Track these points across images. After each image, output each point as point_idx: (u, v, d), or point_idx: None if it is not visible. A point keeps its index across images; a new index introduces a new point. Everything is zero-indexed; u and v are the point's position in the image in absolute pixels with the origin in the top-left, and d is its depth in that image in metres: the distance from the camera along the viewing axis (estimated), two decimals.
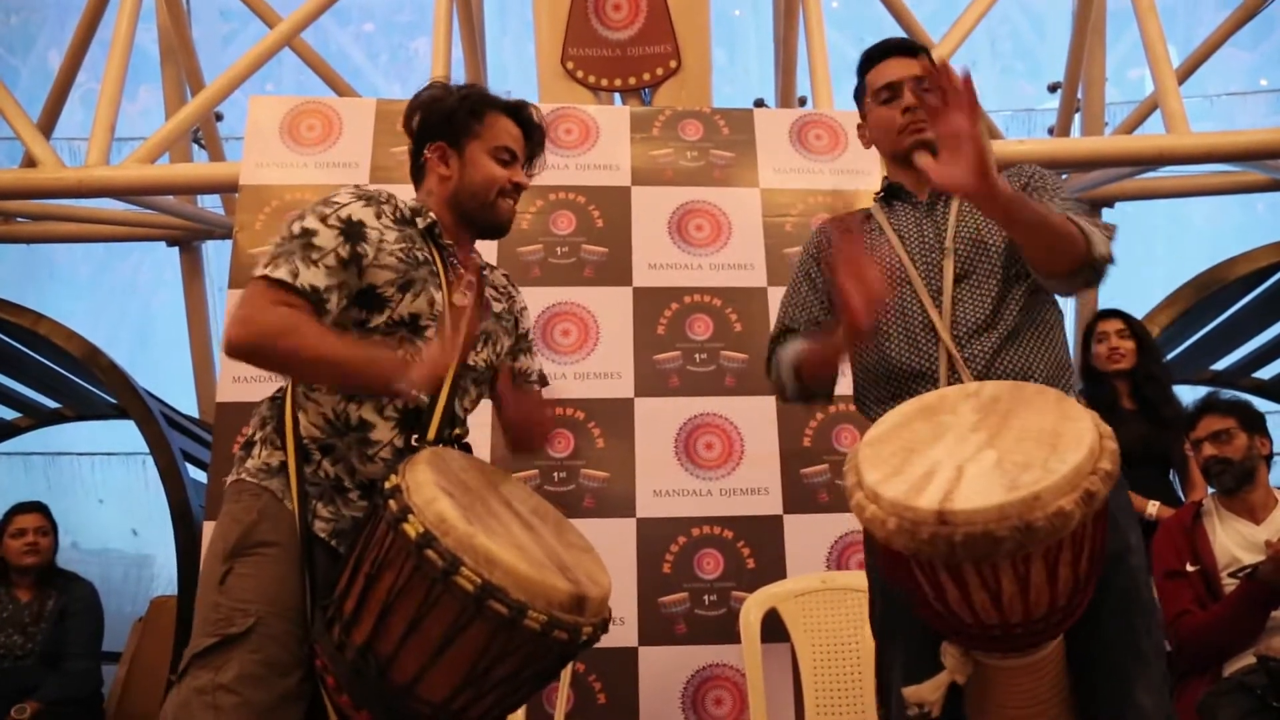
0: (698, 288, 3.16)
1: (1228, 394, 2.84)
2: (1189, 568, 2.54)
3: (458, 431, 1.62)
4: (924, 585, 1.30)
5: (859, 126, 1.84)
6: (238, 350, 1.40)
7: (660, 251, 3.20)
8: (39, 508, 3.54)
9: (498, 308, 1.72)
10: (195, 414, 5.37)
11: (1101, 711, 1.45)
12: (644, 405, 3.01)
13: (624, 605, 2.75)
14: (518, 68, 9.79)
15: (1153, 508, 2.94)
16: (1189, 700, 2.39)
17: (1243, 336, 5.08)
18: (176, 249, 5.52)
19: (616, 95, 4.03)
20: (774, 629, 2.59)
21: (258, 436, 1.55)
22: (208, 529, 2.84)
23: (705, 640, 2.78)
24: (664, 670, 2.75)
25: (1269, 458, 2.69)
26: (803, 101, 5.32)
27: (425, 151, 1.67)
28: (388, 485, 1.34)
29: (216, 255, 5.76)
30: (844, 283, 1.47)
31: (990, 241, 1.66)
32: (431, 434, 1.51)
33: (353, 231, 1.49)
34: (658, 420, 2.99)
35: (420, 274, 1.55)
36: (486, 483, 1.49)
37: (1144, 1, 4.16)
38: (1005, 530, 1.18)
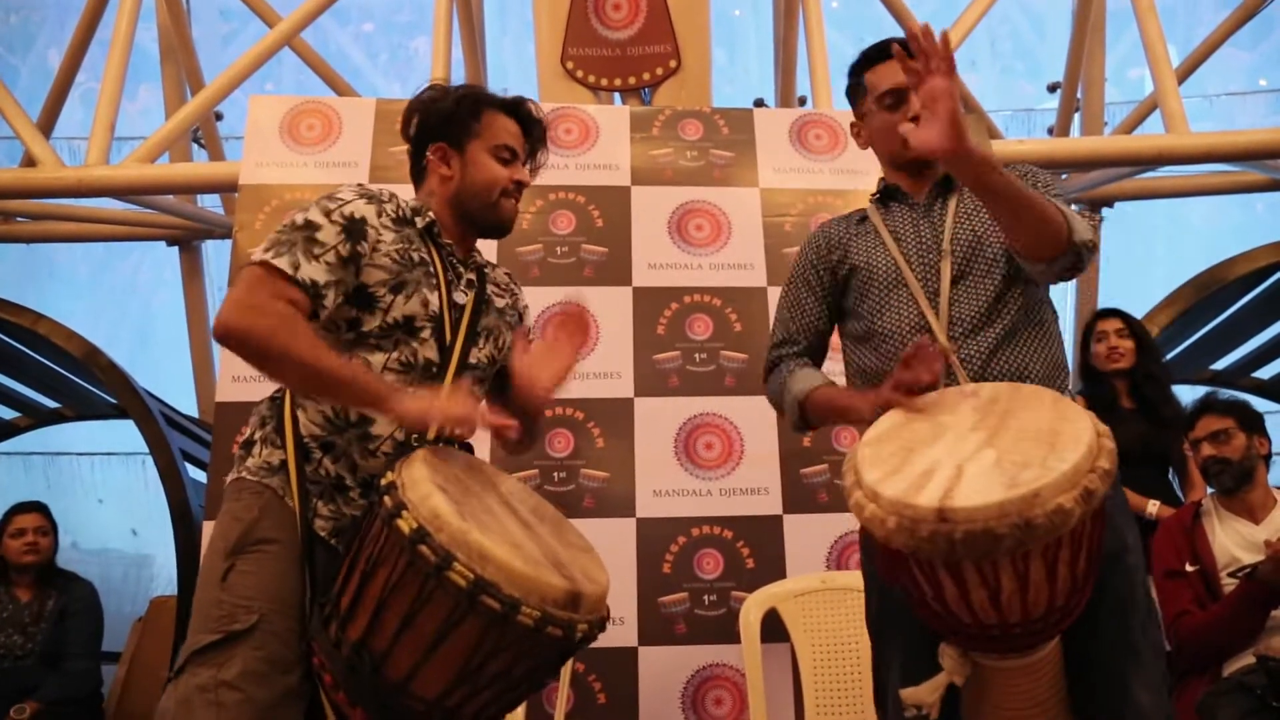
0: (697, 287, 3.16)
1: (1226, 394, 2.84)
2: (1188, 567, 2.54)
3: (458, 431, 1.62)
4: (923, 584, 1.31)
5: (853, 125, 1.82)
6: (229, 334, 1.38)
7: (660, 251, 3.20)
8: (39, 507, 3.54)
9: (500, 303, 1.72)
10: (195, 414, 5.37)
11: (1100, 711, 1.45)
12: (644, 405, 3.01)
13: (624, 605, 2.75)
14: (518, 68, 9.79)
15: (1153, 507, 2.94)
16: (1189, 700, 2.39)
17: (1242, 336, 5.08)
18: (176, 249, 5.52)
19: (616, 95, 4.03)
20: (774, 629, 2.59)
21: (257, 435, 1.55)
22: (208, 529, 2.84)
23: (705, 640, 2.78)
24: (664, 670, 2.75)
25: (1268, 457, 2.69)
26: (802, 101, 5.33)
27: (427, 153, 1.66)
28: (383, 481, 1.35)
29: (216, 255, 5.76)
30: (894, 390, 1.48)
31: (987, 242, 1.66)
32: (432, 433, 1.51)
33: (354, 229, 1.50)
34: (657, 420, 2.99)
35: (414, 275, 1.55)
36: (485, 481, 1.49)
37: (1144, 1, 4.16)
38: (1005, 527, 1.18)
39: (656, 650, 2.76)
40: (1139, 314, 3.53)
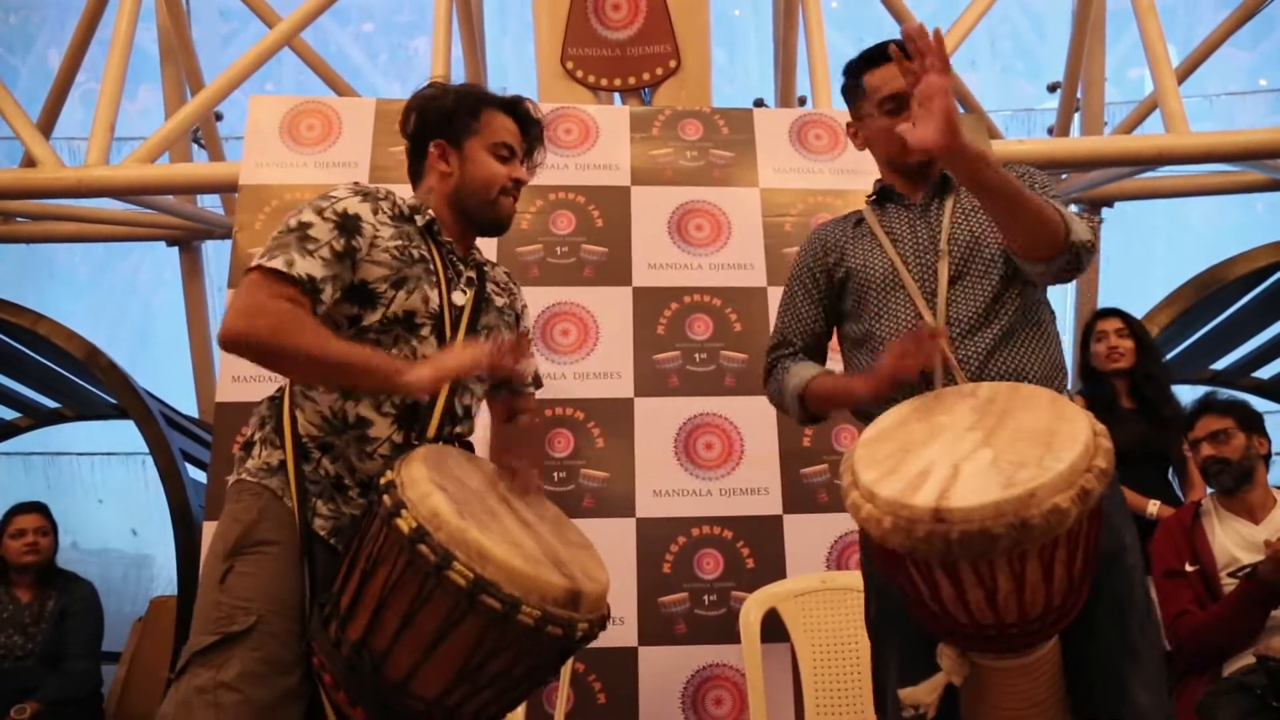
0: (697, 287, 3.16)
1: (1226, 394, 2.84)
2: (1188, 567, 2.54)
3: (459, 430, 1.63)
4: (919, 585, 1.31)
5: (849, 126, 1.81)
6: (235, 342, 1.39)
7: (660, 251, 3.20)
8: (39, 508, 3.54)
9: (499, 302, 1.72)
10: (195, 414, 5.37)
11: (1099, 711, 1.45)
12: (644, 405, 3.01)
13: (624, 605, 2.75)
14: (518, 68, 9.80)
15: (1153, 507, 2.94)
16: (1188, 700, 2.39)
17: (1242, 336, 5.08)
18: (176, 249, 5.52)
19: (616, 95, 4.03)
20: (774, 629, 2.59)
21: (257, 436, 1.55)
22: (207, 529, 2.84)
23: (705, 640, 2.78)
24: (664, 670, 2.75)
25: (1267, 457, 2.69)
26: (802, 101, 5.33)
27: (427, 150, 1.67)
28: (383, 481, 1.35)
29: (216, 255, 5.76)
30: (888, 367, 1.49)
31: (985, 243, 1.66)
32: (432, 431, 1.51)
33: (348, 225, 1.50)
34: (657, 420, 2.99)
35: (415, 271, 1.55)
36: (486, 481, 1.49)
37: (1143, 1, 4.16)
38: (1001, 527, 1.18)
39: (656, 650, 2.76)
40: (1139, 314, 3.53)
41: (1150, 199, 5.42)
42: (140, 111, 9.55)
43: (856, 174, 3.32)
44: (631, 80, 3.99)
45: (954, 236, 1.67)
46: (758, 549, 2.87)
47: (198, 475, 4.65)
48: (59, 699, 3.18)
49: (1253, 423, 2.70)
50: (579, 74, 3.98)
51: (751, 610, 2.59)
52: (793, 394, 1.73)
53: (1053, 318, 1.71)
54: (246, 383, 2.88)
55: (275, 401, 1.56)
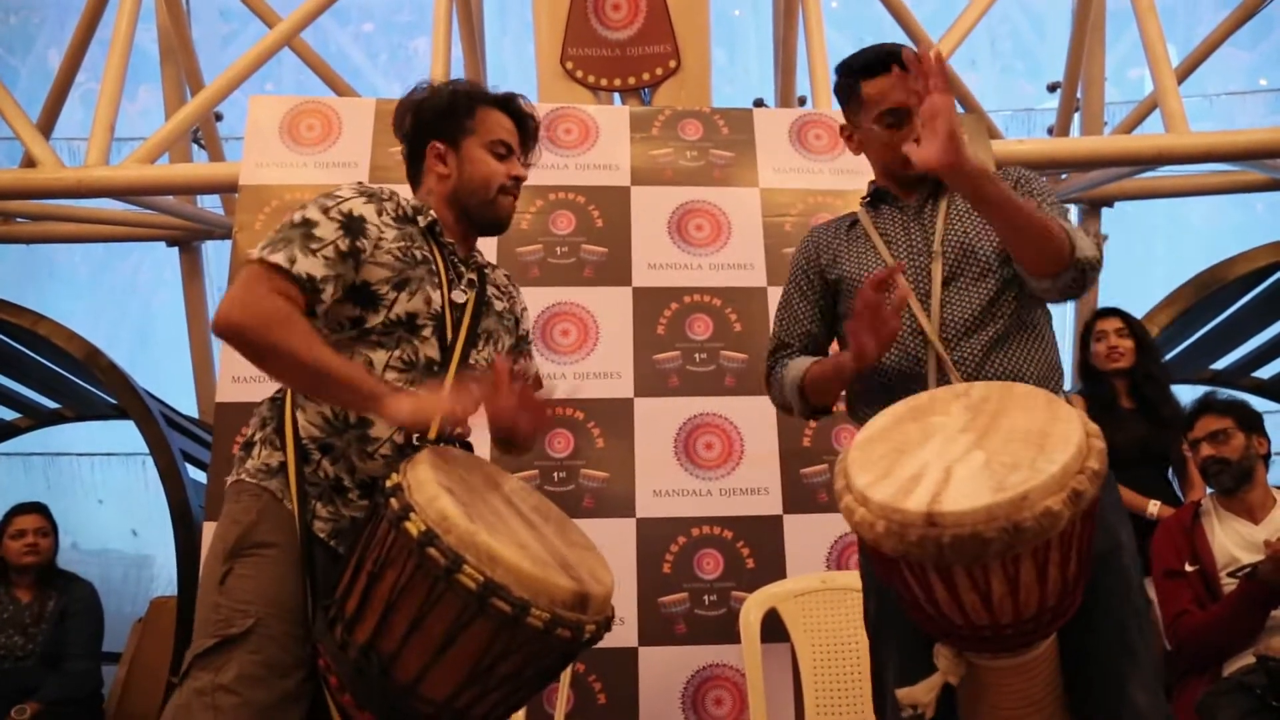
0: (697, 288, 3.16)
1: (1225, 394, 2.84)
2: (1188, 568, 2.54)
3: (460, 430, 1.62)
4: (914, 587, 1.31)
5: (843, 129, 1.80)
6: (227, 330, 1.39)
7: (660, 251, 3.20)
8: (39, 508, 3.54)
9: (499, 306, 1.72)
10: (195, 414, 5.37)
11: (1096, 710, 1.46)
12: (644, 405, 3.01)
13: (624, 605, 2.75)
14: (518, 68, 9.80)
15: (1154, 507, 2.94)
16: (1188, 700, 2.39)
17: (1242, 336, 5.08)
18: (176, 249, 5.52)
19: (616, 95, 4.03)
20: (774, 629, 2.59)
21: (257, 437, 1.55)
22: (208, 530, 2.84)
23: (705, 640, 2.78)
24: (664, 670, 2.75)
25: (1267, 457, 2.69)
26: (802, 101, 5.33)
27: (425, 151, 1.67)
28: (389, 483, 1.34)
29: (216, 255, 5.76)
30: (859, 326, 1.50)
31: (979, 244, 1.66)
32: (433, 432, 1.51)
33: (353, 226, 1.50)
34: (657, 420, 2.99)
35: (417, 273, 1.55)
36: (488, 481, 1.49)
37: (1143, 1, 4.16)
38: (993, 531, 1.18)
39: (656, 650, 2.76)
40: (1139, 314, 3.53)
41: (1150, 199, 5.42)
42: (140, 111, 9.55)
43: (856, 174, 3.31)
44: (631, 80, 3.99)
45: (948, 238, 1.67)
46: (758, 549, 2.87)
47: (198, 475, 4.65)
48: (59, 699, 3.18)
49: (1252, 423, 2.70)
50: (579, 74, 3.98)
51: (751, 610, 2.59)
52: (792, 386, 1.73)
53: (1048, 319, 1.71)
54: (246, 383, 2.88)
55: (276, 402, 1.56)
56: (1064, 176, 5.06)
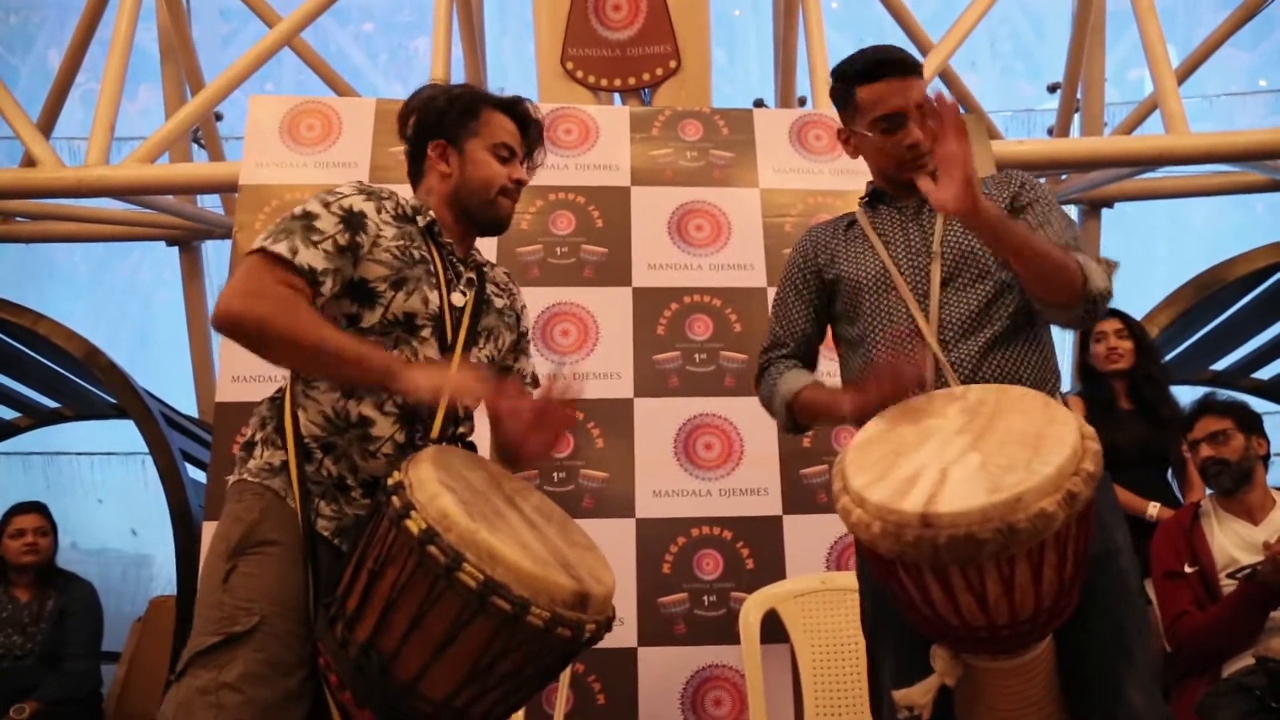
0: (697, 288, 3.16)
1: (1225, 395, 2.84)
2: (1187, 569, 2.54)
3: (462, 430, 1.63)
4: (910, 588, 1.31)
5: (840, 132, 1.79)
6: (228, 319, 1.38)
7: (660, 252, 3.20)
8: (38, 508, 3.54)
9: (499, 304, 1.72)
10: (195, 414, 5.37)
11: (1094, 711, 1.46)
12: (643, 405, 3.01)
13: (623, 606, 2.74)
14: (518, 68, 9.80)
15: (1153, 509, 2.94)
16: (1188, 701, 2.40)
17: (1242, 337, 5.08)
18: (176, 249, 5.52)
19: (616, 95, 4.04)
20: (773, 629, 2.59)
21: (258, 437, 1.55)
22: (207, 529, 2.84)
23: (704, 641, 2.78)
24: (663, 671, 2.75)
25: (1266, 458, 2.69)
26: (802, 102, 5.33)
27: (427, 150, 1.67)
28: (390, 482, 1.34)
29: (216, 255, 5.76)
30: (876, 384, 1.50)
31: (978, 246, 1.66)
32: (435, 432, 1.51)
33: (353, 221, 1.50)
34: (657, 420, 2.99)
35: (415, 272, 1.55)
36: (490, 481, 1.49)
37: (1143, 2, 4.16)
38: (988, 532, 1.19)
39: (656, 651, 2.76)
40: (1139, 314, 3.53)
41: (1150, 199, 5.42)
42: (140, 111, 9.55)
43: (856, 174, 3.28)
44: (631, 80, 3.99)
45: (947, 239, 1.67)
46: (757, 549, 2.87)
47: (197, 475, 4.65)
48: (58, 699, 3.18)
49: (1252, 424, 2.70)
50: (579, 74, 3.98)
51: (751, 611, 2.59)
52: (781, 402, 1.73)
53: (1046, 321, 1.72)
54: (246, 383, 2.88)
55: (276, 401, 1.56)
56: (1064, 177, 5.06)
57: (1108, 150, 4.29)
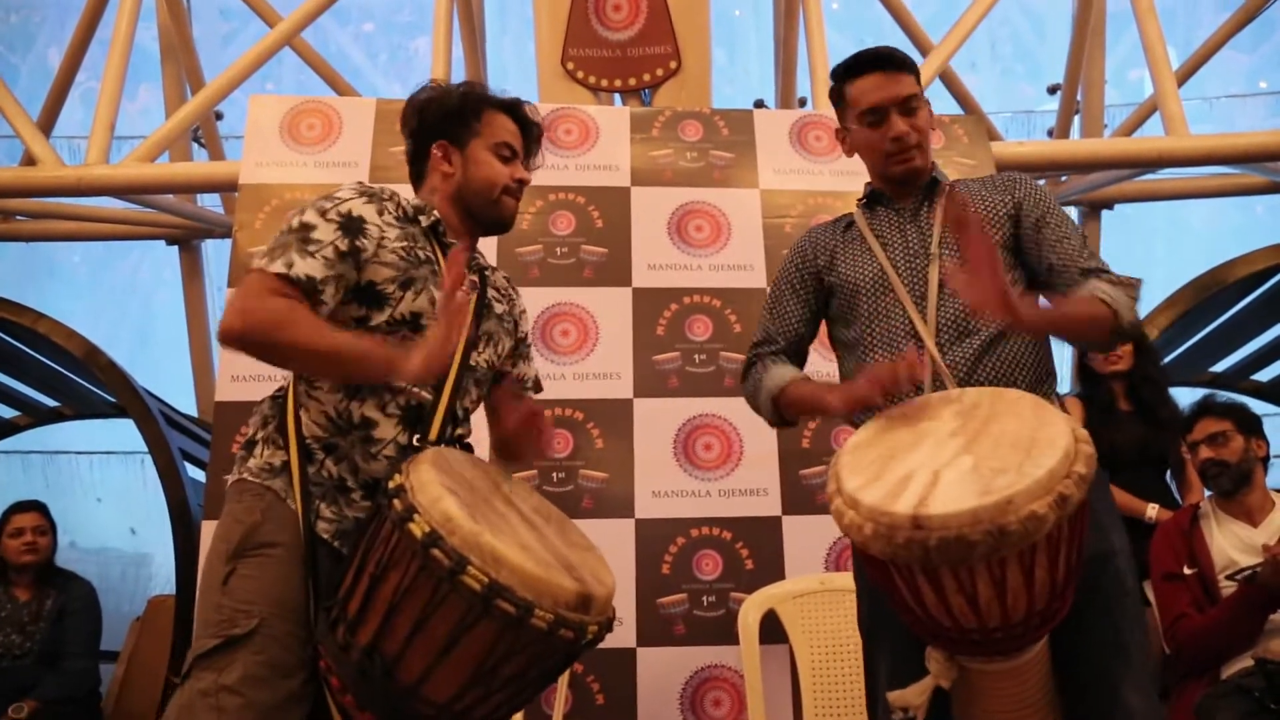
0: (697, 288, 3.16)
1: (1224, 396, 2.84)
2: (1186, 570, 2.54)
3: (460, 431, 1.63)
4: (903, 590, 1.32)
5: (838, 132, 1.82)
6: (233, 339, 1.39)
7: (660, 252, 3.20)
8: (37, 507, 3.54)
9: (499, 309, 1.72)
10: (195, 413, 5.37)
11: (1090, 713, 1.46)
12: (643, 406, 3.01)
13: (622, 606, 2.72)
14: (518, 68, 9.79)
15: (1152, 510, 2.94)
16: (1187, 702, 2.40)
17: (1241, 339, 5.07)
18: (176, 248, 5.52)
19: (616, 96, 4.04)
20: (772, 630, 2.60)
21: (259, 436, 1.55)
22: (206, 528, 2.84)
23: (704, 641, 2.78)
24: (662, 671, 2.75)
25: (1266, 460, 2.69)
26: (803, 102, 5.32)
27: (430, 151, 1.67)
28: (391, 485, 1.34)
29: (216, 254, 5.75)
30: (870, 385, 1.49)
31: None
32: (434, 433, 1.51)
33: (352, 226, 1.50)
34: (657, 421, 2.99)
35: (421, 272, 1.55)
36: (490, 482, 1.49)
37: (1143, 3, 4.16)
38: (978, 534, 1.19)
39: (655, 651, 2.76)
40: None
41: (1150, 201, 5.42)
42: (140, 111, 9.54)
43: (856, 175, 3.25)
44: (632, 81, 3.99)
45: (945, 240, 1.67)
46: (757, 550, 2.87)
47: (197, 474, 4.65)
48: (57, 698, 3.18)
49: (1251, 425, 2.71)
50: (579, 74, 3.98)
51: (750, 611, 2.59)
52: (767, 395, 1.73)
53: None
54: (246, 382, 2.88)
55: (278, 401, 1.56)
56: (1064, 179, 5.06)
57: (1108, 152, 4.29)
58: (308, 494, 1.47)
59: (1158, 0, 4.17)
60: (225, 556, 1.45)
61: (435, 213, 1.63)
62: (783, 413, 1.73)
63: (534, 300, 2.99)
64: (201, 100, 4.27)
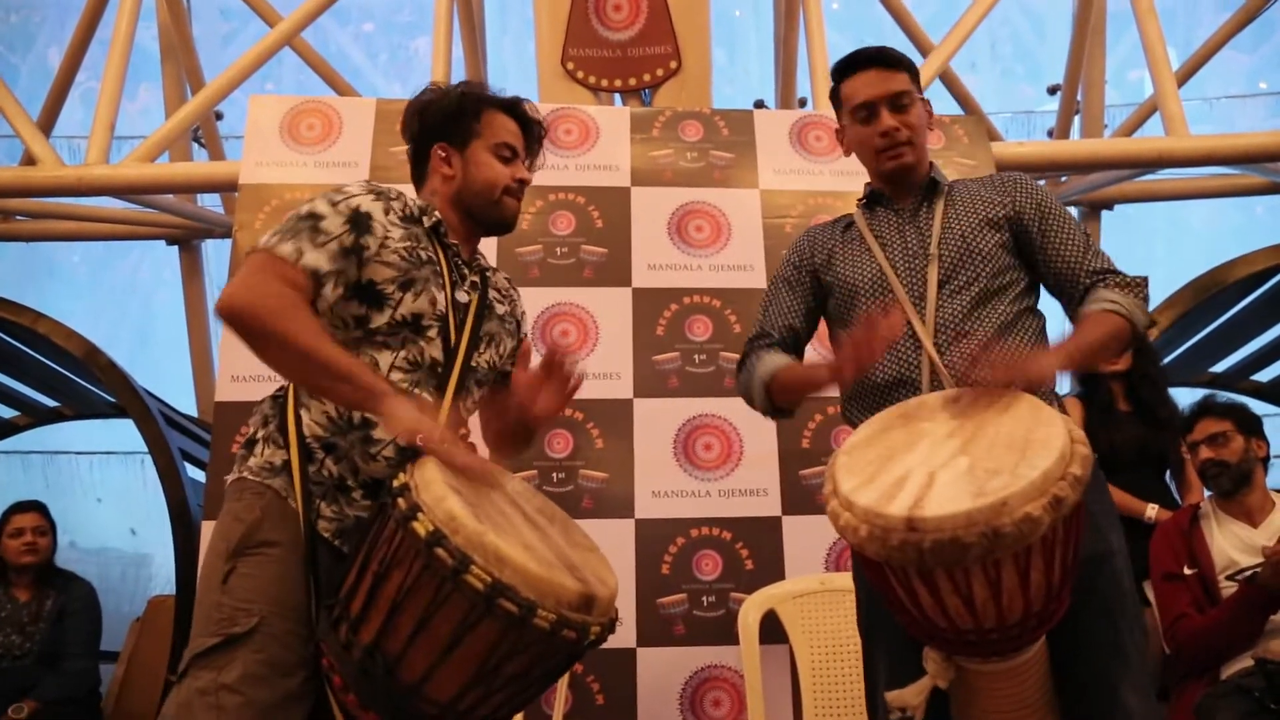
0: (697, 288, 3.16)
1: (1224, 396, 2.84)
2: (1186, 571, 2.54)
3: (461, 431, 1.62)
4: (899, 591, 1.32)
5: (837, 132, 1.84)
6: (230, 312, 1.38)
7: (660, 252, 3.20)
8: (37, 507, 3.54)
9: (500, 310, 1.72)
10: (194, 413, 5.37)
11: (1089, 713, 1.46)
12: (643, 406, 3.01)
13: (622, 606, 2.70)
14: (518, 68, 9.80)
15: (1152, 511, 2.94)
16: (1186, 703, 2.40)
17: (1241, 339, 5.08)
18: (176, 248, 5.52)
19: (616, 96, 4.04)
20: (772, 630, 2.59)
21: (260, 435, 1.54)
22: (206, 528, 2.84)
23: (703, 641, 2.78)
24: (662, 671, 2.75)
25: (1266, 460, 2.69)
26: (803, 103, 5.32)
27: (431, 152, 1.67)
28: (396, 484, 1.34)
29: (216, 254, 5.75)
30: (848, 351, 1.48)
31: (975, 247, 1.66)
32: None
33: (359, 222, 1.50)
34: (657, 421, 2.99)
35: (423, 273, 1.55)
36: (492, 482, 1.49)
37: (1143, 4, 4.16)
38: (972, 536, 1.19)
39: (655, 651, 2.76)
40: None
41: (1150, 201, 5.42)
42: (140, 110, 9.54)
43: (857, 175, 3.25)
44: (632, 81, 3.99)
45: (944, 240, 1.67)
46: (756, 550, 2.87)
47: (196, 475, 4.65)
48: (57, 698, 3.18)
49: (1251, 425, 2.70)
50: (579, 75, 3.98)
51: (750, 611, 2.59)
52: (759, 382, 1.73)
53: (1043, 322, 1.72)
54: (246, 382, 2.88)
55: (279, 400, 1.56)
56: (1064, 179, 5.06)
57: (1108, 152, 4.29)
58: (308, 493, 1.47)
59: (1158, 0, 4.17)
60: (225, 555, 1.45)
61: (436, 214, 1.63)
62: (775, 399, 1.72)
63: (534, 300, 2.99)
64: (201, 100, 4.27)
